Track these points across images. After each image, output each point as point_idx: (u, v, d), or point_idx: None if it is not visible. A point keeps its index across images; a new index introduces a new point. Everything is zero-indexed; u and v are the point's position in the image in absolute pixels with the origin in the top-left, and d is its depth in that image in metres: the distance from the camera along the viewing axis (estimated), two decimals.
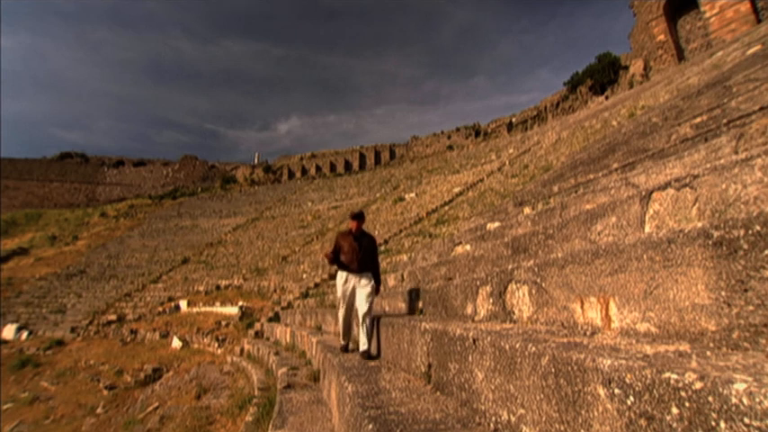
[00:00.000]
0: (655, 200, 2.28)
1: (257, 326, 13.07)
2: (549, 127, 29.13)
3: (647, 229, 2.29)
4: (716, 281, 1.22)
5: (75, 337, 15.97)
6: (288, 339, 8.60)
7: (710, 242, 1.25)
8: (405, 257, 9.87)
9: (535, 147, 23.41)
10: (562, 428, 1.25)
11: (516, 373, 1.52)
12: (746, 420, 0.76)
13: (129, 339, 15.06)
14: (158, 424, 7.10)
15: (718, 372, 0.90)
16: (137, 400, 9.95)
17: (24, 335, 16.63)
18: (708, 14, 20.30)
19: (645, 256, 1.48)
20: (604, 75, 30.85)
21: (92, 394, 11.12)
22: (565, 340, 1.52)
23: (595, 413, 1.13)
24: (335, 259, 4.16)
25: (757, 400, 0.75)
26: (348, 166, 49.14)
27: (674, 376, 0.92)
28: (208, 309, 16.10)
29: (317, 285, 14.64)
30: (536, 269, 2.16)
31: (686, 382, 0.89)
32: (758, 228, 1.12)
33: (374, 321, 3.89)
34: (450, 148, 43.74)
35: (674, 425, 0.89)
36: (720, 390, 0.81)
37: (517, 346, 1.53)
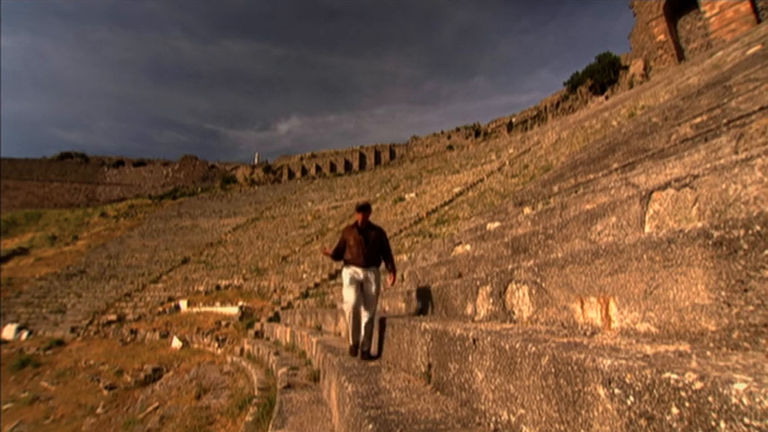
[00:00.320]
0: (655, 200, 2.28)
1: (257, 326, 13.06)
2: (549, 127, 29.13)
3: (647, 229, 2.29)
4: (716, 281, 1.22)
5: (75, 337, 15.97)
6: (288, 339, 8.59)
7: (710, 242, 1.25)
8: (405, 257, 9.87)
9: (535, 147, 23.41)
10: (562, 428, 1.25)
11: (516, 373, 1.52)
12: (746, 420, 0.76)
13: (129, 339, 15.06)
14: (158, 424, 7.10)
15: (719, 372, 0.90)
16: (137, 400, 9.95)
17: (24, 335, 16.63)
18: (708, 14, 20.31)
19: (645, 256, 1.48)
20: (604, 75, 30.84)
21: (92, 394, 11.12)
22: (565, 340, 1.52)
23: (595, 413, 1.13)
24: (336, 255, 4.03)
25: (757, 400, 0.75)
26: (348, 166, 49.14)
27: (674, 376, 0.92)
28: (208, 309, 16.09)
29: (316, 285, 14.65)
30: (536, 269, 2.16)
31: (686, 382, 0.89)
32: (758, 228, 1.12)
33: (375, 321, 3.87)
34: (450, 148, 43.75)
35: (674, 425, 0.89)
36: (720, 390, 0.81)
37: (517, 346, 1.53)
